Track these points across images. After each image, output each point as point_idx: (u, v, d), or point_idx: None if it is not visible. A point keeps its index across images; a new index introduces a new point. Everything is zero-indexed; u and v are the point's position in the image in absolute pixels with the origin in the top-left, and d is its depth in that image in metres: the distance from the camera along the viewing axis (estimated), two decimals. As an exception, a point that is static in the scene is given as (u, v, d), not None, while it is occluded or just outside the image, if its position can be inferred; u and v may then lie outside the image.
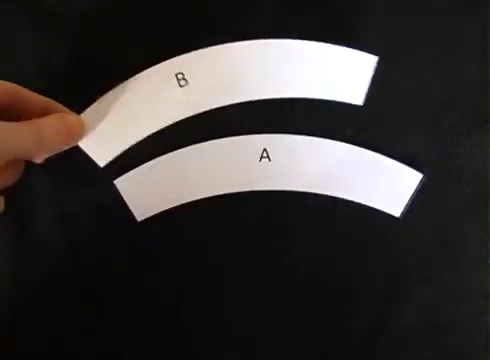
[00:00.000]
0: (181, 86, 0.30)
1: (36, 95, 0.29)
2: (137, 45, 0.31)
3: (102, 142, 0.31)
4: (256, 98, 0.31)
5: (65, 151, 0.29)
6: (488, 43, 0.32)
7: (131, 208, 0.32)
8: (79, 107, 0.30)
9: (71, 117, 0.29)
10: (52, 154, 0.28)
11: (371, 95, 0.31)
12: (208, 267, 0.33)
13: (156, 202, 0.32)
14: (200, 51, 0.30)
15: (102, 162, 0.31)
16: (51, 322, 0.33)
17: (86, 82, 0.31)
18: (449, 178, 0.32)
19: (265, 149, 0.32)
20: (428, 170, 0.32)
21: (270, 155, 0.32)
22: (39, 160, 0.29)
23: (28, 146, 0.27)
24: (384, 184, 0.32)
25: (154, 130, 0.31)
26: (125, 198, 0.32)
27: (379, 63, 0.31)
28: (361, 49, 0.31)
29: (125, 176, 0.32)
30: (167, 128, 0.33)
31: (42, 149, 0.27)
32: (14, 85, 0.28)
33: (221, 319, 0.33)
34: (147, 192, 0.32)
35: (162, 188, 0.32)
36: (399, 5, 0.32)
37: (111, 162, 0.32)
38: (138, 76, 0.30)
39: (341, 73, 0.31)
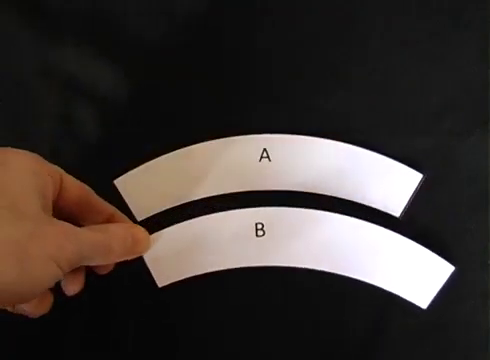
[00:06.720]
0: None
1: (103, 201, 0.29)
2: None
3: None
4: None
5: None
6: (488, 43, 0.32)
7: (131, 208, 0.32)
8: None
9: (139, 230, 0.29)
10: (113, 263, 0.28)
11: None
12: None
13: (156, 202, 0.32)
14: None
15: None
16: (52, 322, 0.33)
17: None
18: (449, 178, 0.32)
19: (265, 149, 0.32)
20: (428, 170, 0.32)
21: (270, 155, 0.32)
22: (103, 272, 0.29)
23: (96, 254, 0.26)
24: (384, 184, 0.32)
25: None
26: (125, 198, 0.32)
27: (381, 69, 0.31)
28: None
29: (125, 176, 0.32)
30: (166, 128, 0.33)
31: (108, 259, 0.27)
32: (86, 187, 0.28)
33: (222, 317, 0.33)
34: (147, 192, 0.32)
35: (162, 188, 0.32)
36: (399, 5, 0.32)
37: (111, 162, 0.32)
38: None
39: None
